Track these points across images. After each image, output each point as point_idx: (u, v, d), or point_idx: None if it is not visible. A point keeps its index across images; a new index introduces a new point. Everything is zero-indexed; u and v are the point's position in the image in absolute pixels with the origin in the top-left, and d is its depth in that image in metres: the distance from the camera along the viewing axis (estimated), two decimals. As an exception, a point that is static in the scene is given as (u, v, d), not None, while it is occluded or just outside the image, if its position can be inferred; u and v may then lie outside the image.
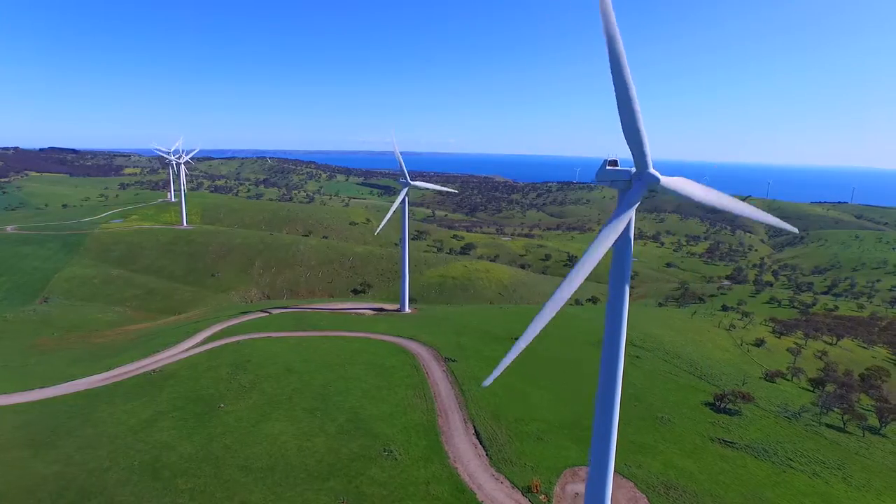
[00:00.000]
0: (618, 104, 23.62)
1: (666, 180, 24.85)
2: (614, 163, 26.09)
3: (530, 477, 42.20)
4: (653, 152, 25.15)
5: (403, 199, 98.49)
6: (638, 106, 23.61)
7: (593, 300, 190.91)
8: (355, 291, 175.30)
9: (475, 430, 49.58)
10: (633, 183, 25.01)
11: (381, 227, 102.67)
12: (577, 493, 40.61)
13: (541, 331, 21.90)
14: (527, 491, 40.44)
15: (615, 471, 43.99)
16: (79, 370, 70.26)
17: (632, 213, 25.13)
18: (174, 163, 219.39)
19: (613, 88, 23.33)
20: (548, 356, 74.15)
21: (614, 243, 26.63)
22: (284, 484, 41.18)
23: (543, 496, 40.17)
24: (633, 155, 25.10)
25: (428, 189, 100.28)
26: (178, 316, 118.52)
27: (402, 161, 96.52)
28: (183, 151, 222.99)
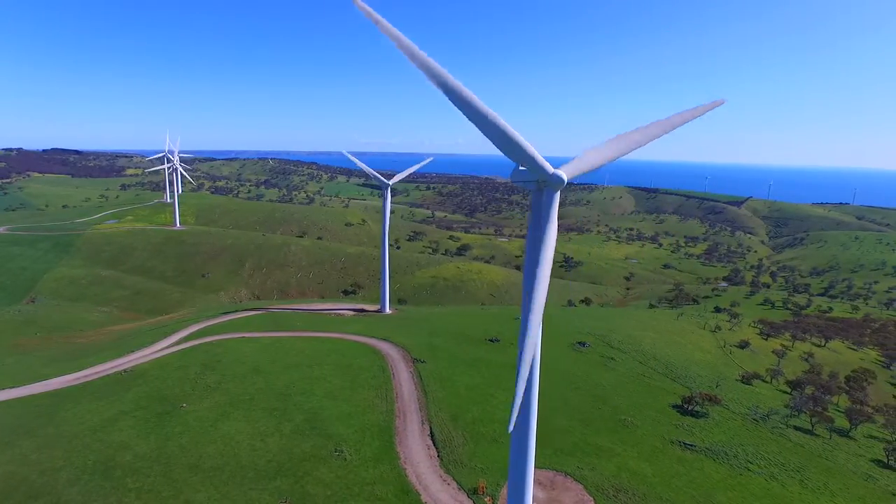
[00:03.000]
0: (481, 128, 23.69)
1: (570, 171, 24.75)
2: (526, 165, 26.00)
3: (479, 478, 42.01)
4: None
5: (385, 200, 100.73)
6: (503, 122, 23.69)
7: (586, 301, 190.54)
8: (346, 292, 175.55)
9: (430, 432, 49.45)
10: (542, 185, 24.97)
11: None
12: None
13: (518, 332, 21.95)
14: (472, 493, 40.27)
15: (566, 473, 43.98)
16: (53, 370, 70.49)
17: (554, 211, 25.11)
18: (166, 160, 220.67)
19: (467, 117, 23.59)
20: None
21: (528, 244, 26.56)
22: (231, 483, 41.17)
23: (489, 498, 39.98)
24: (527, 168, 24.99)
25: (402, 179, 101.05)
26: (162, 317, 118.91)
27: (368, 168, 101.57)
28: (178, 152, 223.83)
